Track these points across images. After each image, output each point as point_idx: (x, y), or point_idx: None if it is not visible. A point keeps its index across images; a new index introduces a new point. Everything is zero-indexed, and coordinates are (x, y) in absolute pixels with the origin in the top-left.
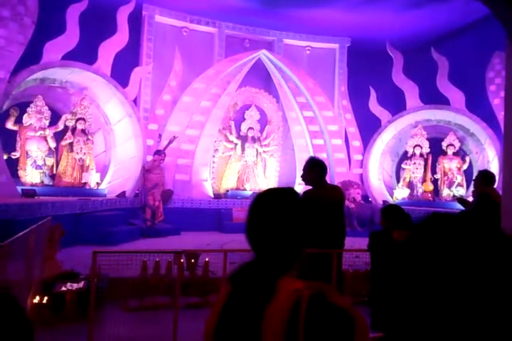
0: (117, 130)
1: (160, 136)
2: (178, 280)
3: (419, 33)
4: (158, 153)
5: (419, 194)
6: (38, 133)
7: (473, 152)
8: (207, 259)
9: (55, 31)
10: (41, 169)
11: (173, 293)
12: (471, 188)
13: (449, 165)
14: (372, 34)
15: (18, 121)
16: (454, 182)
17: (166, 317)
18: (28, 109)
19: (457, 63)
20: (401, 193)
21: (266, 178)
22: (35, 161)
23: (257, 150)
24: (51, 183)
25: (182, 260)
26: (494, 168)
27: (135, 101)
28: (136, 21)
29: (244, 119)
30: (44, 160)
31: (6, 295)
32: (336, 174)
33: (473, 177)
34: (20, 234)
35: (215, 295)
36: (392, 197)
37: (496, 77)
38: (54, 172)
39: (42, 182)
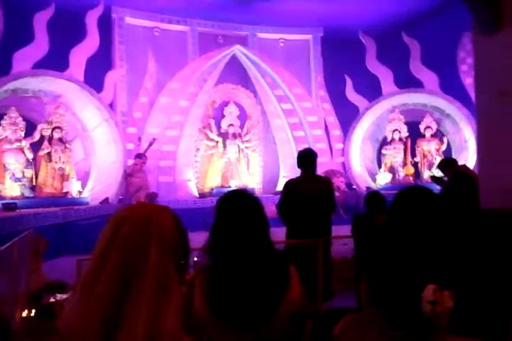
0: (95, 136)
1: (139, 139)
2: None
3: (389, 18)
4: (139, 156)
5: (400, 178)
6: (15, 145)
7: (450, 133)
8: (195, 259)
9: (23, 40)
10: (20, 181)
11: None
12: None
13: (428, 147)
14: (345, 22)
15: None
16: (434, 163)
17: None
18: (2, 122)
19: (428, 46)
20: (383, 178)
21: (250, 174)
22: (13, 174)
23: (238, 147)
24: (32, 195)
25: None
26: (471, 146)
27: (111, 105)
28: (105, 24)
29: (224, 116)
30: (23, 172)
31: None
32: (319, 164)
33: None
34: (3, 247)
35: None
36: (374, 182)
37: (466, 57)
38: (34, 183)
39: (22, 194)
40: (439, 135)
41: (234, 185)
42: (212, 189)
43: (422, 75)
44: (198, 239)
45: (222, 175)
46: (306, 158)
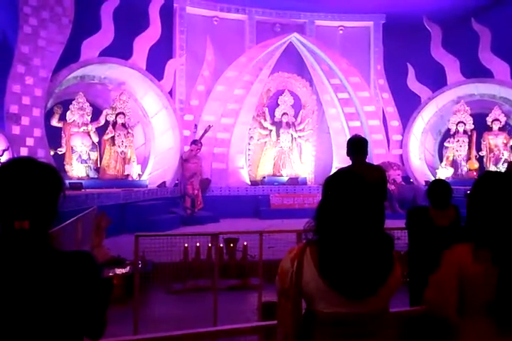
0: (155, 122)
1: (196, 126)
2: (216, 261)
3: (457, 3)
4: (194, 142)
5: (463, 173)
6: (81, 129)
7: None
8: (245, 243)
9: (91, 29)
10: (86, 163)
11: (213, 276)
12: None
13: (495, 141)
14: (408, 8)
15: (62, 118)
16: (501, 158)
17: (207, 299)
18: (71, 106)
19: (500, 33)
20: (444, 173)
21: (302, 163)
22: (80, 156)
23: (292, 136)
24: (96, 176)
25: (221, 245)
26: None
27: (170, 93)
28: (167, 14)
29: (278, 105)
30: (88, 154)
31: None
32: (375, 156)
33: None
34: (68, 221)
35: (254, 277)
36: (434, 177)
37: None
38: (98, 165)
39: (87, 175)
40: (507, 128)
41: (285, 174)
42: (263, 177)
43: (492, 65)
44: (248, 224)
45: (274, 163)
46: (357, 145)
